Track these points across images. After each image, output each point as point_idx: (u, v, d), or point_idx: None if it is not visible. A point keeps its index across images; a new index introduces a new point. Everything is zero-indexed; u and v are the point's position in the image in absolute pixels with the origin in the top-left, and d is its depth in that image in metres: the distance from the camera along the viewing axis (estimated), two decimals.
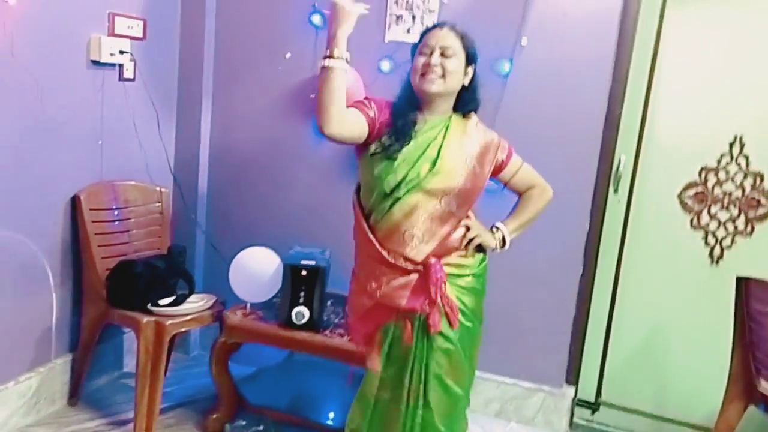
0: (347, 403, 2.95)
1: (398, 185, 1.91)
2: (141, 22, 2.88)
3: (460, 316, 1.97)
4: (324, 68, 1.78)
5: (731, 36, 2.70)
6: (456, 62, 1.93)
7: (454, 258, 1.99)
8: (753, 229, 2.76)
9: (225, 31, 3.15)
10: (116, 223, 2.77)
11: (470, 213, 2.02)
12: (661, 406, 2.98)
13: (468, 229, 1.99)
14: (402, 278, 1.96)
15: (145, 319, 2.55)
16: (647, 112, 2.82)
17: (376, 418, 2.05)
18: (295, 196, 3.14)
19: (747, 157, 2.73)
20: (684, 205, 2.84)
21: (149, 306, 2.59)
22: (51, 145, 2.54)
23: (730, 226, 2.79)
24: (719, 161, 2.77)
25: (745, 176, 2.74)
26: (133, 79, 2.88)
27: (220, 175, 3.24)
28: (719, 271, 2.82)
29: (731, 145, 2.74)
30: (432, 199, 1.93)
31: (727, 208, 2.78)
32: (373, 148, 1.94)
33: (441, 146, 1.93)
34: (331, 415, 2.92)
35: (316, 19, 2.95)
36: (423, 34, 1.98)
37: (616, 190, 2.90)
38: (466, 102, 2.01)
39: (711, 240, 2.82)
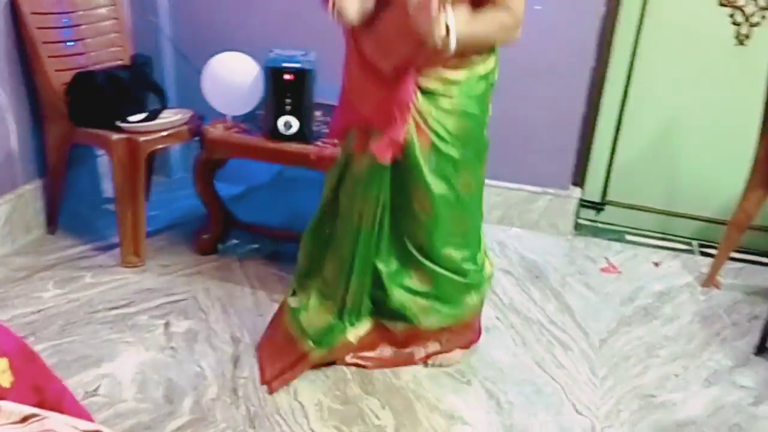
0: None
1: None
2: None
3: (437, 141, 1.71)
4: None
5: None
6: None
7: (436, 73, 1.66)
8: None
9: None
10: (66, 31, 2.40)
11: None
12: (670, 202, 2.87)
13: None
14: (376, 85, 1.70)
15: (115, 136, 2.30)
16: None
17: (329, 239, 1.92)
18: None
19: None
20: None
21: (118, 123, 2.33)
22: None
23: (762, 0, 2.49)
24: None
25: None
26: None
27: None
28: (744, 51, 2.57)
29: None
30: None
31: None
32: None
33: None
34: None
35: None
36: None
37: None
38: None
39: (739, 17, 2.53)
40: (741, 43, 2.56)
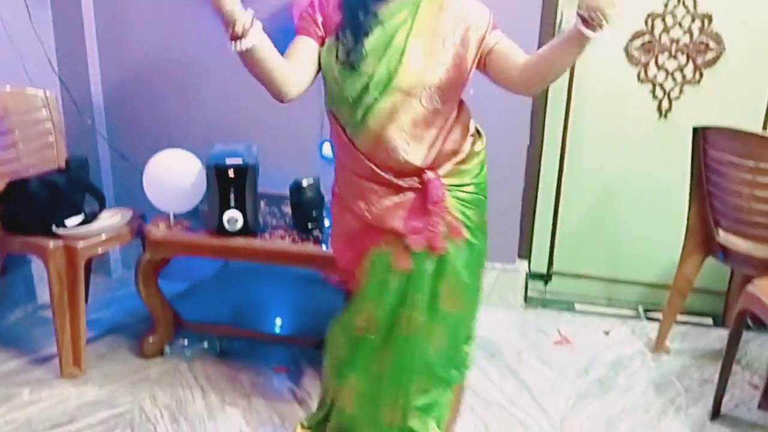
0: (292, 307, 2.81)
1: (366, 89, 1.57)
2: None
3: (465, 233, 1.68)
4: (239, 54, 1.47)
5: None
6: None
7: (451, 165, 1.66)
8: (701, 76, 2.63)
9: None
10: None
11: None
12: (613, 269, 2.94)
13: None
14: (395, 196, 1.65)
15: (52, 243, 2.21)
16: None
17: (364, 354, 1.77)
18: (208, 87, 2.76)
19: None
20: (631, 58, 2.67)
21: (55, 228, 2.25)
22: None
23: (678, 76, 2.65)
24: (666, 5, 2.58)
25: (693, 19, 2.58)
26: None
27: (115, 68, 2.79)
28: (667, 124, 2.71)
29: None
30: (410, 99, 1.58)
31: (674, 56, 2.63)
32: (328, 45, 1.60)
33: (409, 32, 1.57)
34: (278, 321, 2.73)
35: None
36: None
37: None
38: None
39: (659, 93, 2.68)
40: (663, 116, 2.70)
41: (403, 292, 1.69)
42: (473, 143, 1.73)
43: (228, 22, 1.42)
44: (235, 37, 1.43)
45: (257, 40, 1.45)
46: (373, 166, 1.63)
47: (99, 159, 2.81)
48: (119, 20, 2.74)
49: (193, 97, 2.79)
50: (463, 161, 1.69)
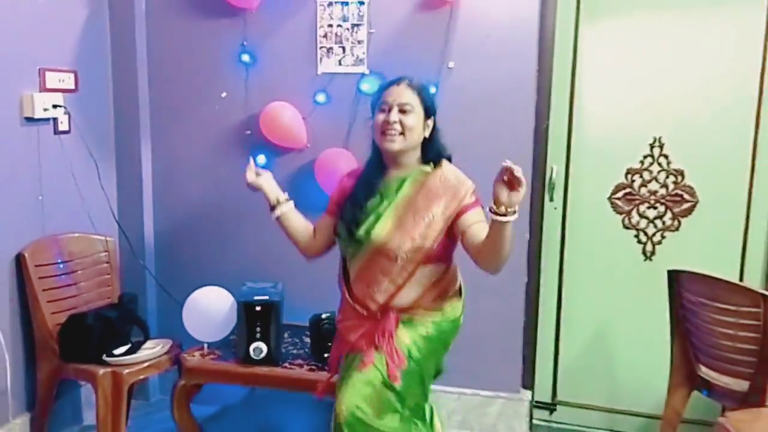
0: (315, 429, 3.02)
1: (352, 242, 2.05)
2: (72, 75, 2.89)
3: (404, 363, 2.01)
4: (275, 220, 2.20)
5: (641, 46, 2.87)
6: (414, 118, 2.01)
7: (419, 311, 2.06)
8: (679, 223, 2.93)
9: (158, 75, 3.17)
10: (63, 276, 2.75)
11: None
12: (613, 400, 3.11)
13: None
14: (356, 320, 2.09)
15: (102, 370, 2.54)
16: (572, 122, 2.98)
17: None
18: (243, 233, 3.17)
19: (667, 156, 2.90)
20: (615, 207, 2.99)
21: (104, 357, 2.59)
22: None
23: (659, 223, 2.95)
24: (642, 162, 2.93)
25: (668, 174, 2.91)
26: (68, 132, 2.87)
27: (165, 218, 3.25)
28: (653, 265, 2.97)
29: (651, 147, 2.91)
30: (379, 256, 2.01)
31: (654, 206, 2.95)
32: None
33: (389, 205, 2.03)
34: None
35: (246, 57, 3.01)
36: (381, 90, 2.07)
37: (551, 198, 3.04)
38: (427, 153, 2.08)
39: (642, 237, 2.98)
40: (649, 258, 2.98)
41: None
42: (446, 303, 2.10)
43: (265, 197, 2.19)
44: (270, 208, 2.19)
45: (284, 213, 2.18)
46: (347, 295, 2.10)
47: (147, 294, 3.19)
48: (172, 174, 3.22)
49: (231, 240, 3.20)
50: (434, 309, 2.06)
